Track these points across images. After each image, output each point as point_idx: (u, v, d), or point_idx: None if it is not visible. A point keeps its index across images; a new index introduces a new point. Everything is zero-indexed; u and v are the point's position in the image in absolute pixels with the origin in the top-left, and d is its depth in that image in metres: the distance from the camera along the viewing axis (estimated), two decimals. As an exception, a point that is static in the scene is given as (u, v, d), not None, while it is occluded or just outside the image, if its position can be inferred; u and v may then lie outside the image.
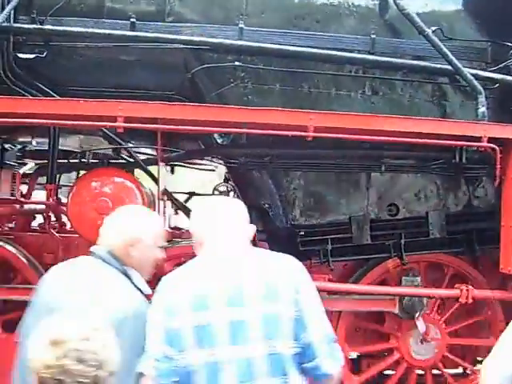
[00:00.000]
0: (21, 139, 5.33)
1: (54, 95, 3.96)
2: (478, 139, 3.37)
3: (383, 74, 3.87)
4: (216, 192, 4.38)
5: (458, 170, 3.75)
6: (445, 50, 3.62)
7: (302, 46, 3.79)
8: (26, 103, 3.49)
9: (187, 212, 4.60)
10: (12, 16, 3.85)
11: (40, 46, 3.92)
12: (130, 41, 3.85)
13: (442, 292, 3.96)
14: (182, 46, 3.82)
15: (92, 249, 2.26)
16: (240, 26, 3.80)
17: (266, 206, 3.85)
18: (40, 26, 3.84)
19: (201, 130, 3.68)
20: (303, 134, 3.29)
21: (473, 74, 3.63)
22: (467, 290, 3.67)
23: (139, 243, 2.20)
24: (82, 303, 2.01)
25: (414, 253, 4.00)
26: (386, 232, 3.92)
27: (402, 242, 3.85)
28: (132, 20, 3.84)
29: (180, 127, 3.43)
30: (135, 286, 2.19)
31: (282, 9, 3.88)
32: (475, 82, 3.61)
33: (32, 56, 3.81)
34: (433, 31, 3.68)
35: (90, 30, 3.84)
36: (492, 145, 3.39)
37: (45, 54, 3.84)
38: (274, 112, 3.44)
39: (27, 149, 5.43)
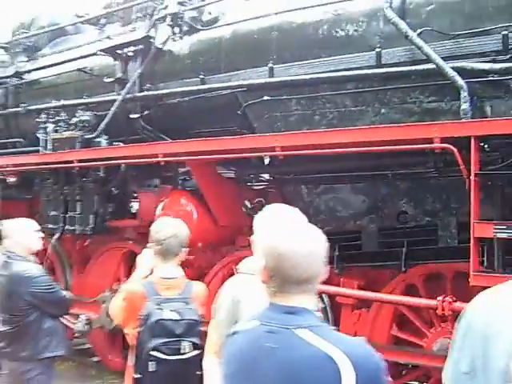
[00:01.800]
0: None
1: (167, 139, 5.35)
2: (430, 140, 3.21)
3: (392, 85, 3.93)
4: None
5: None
6: (427, 49, 3.56)
7: (317, 73, 4.22)
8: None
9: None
10: (138, 84, 5.45)
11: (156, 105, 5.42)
12: (198, 93, 4.97)
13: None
14: (229, 90, 4.73)
15: None
16: (269, 65, 4.49)
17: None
18: (146, 93, 5.35)
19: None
20: (273, 153, 3.81)
21: (457, 68, 3.44)
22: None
23: None
24: None
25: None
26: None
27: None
28: (201, 77, 4.97)
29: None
30: None
31: (300, 44, 4.38)
32: (456, 78, 3.41)
33: (137, 116, 5.30)
34: (419, 34, 3.66)
35: (174, 89, 5.14)
36: (446, 145, 3.17)
37: (147, 112, 5.30)
38: (246, 138, 4.03)
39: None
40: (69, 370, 6.03)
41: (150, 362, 2.88)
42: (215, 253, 5.27)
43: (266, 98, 4.49)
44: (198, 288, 3.27)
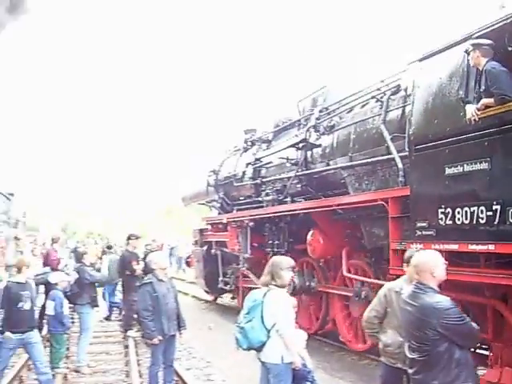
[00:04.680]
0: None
1: (321, 197, 9.45)
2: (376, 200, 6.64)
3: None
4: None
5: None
6: (391, 147, 6.91)
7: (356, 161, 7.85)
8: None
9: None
10: (304, 165, 9.71)
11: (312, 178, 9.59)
12: (326, 171, 8.96)
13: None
14: (332, 171, 8.62)
15: None
16: (349, 155, 8.25)
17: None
18: (304, 172, 9.55)
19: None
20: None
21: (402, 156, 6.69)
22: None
23: None
24: None
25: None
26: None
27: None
28: (326, 161, 8.97)
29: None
30: None
31: (358, 144, 8.05)
32: (399, 163, 6.67)
33: (302, 184, 9.55)
34: (391, 138, 7.01)
35: (316, 169, 9.24)
36: (381, 202, 6.52)
37: (305, 182, 9.52)
38: (319, 201, 7.88)
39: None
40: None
41: None
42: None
43: (345, 174, 8.26)
44: None
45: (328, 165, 8.97)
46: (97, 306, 9.00)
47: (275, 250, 10.35)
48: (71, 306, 8.80)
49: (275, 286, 5.00)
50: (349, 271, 8.26)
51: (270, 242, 10.57)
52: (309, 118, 9.95)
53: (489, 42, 5.11)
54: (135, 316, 9.64)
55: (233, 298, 14.26)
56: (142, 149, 58.60)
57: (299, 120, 10.70)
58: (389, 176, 7.36)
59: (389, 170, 7.30)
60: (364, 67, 9.60)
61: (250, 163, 12.30)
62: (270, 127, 12.36)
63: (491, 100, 5.00)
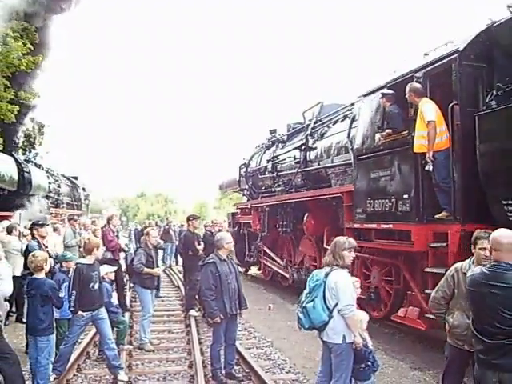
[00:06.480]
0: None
1: (317, 188, 12.28)
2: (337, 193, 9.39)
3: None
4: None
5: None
6: (351, 154, 9.63)
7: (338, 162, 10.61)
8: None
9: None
10: (304, 164, 12.55)
11: (311, 173, 12.40)
12: (318, 169, 11.75)
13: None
14: (321, 169, 11.40)
15: None
16: (331, 158, 11.00)
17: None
18: (304, 168, 12.38)
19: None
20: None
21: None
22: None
23: None
24: None
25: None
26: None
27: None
28: (319, 159, 11.76)
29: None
30: None
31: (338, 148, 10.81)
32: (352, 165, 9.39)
33: (301, 179, 12.40)
34: (351, 148, 9.73)
35: (313, 168, 12.05)
36: (340, 195, 9.27)
37: (306, 176, 12.36)
38: (311, 192, 10.69)
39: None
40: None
41: None
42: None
43: (330, 171, 11.02)
44: None
45: (319, 164, 11.73)
46: (147, 288, 8.58)
47: (283, 229, 13.26)
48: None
49: (337, 266, 5.02)
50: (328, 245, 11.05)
51: (280, 223, 13.48)
52: (308, 126, 12.71)
53: (391, 92, 7.82)
54: (196, 296, 10.54)
55: (259, 269, 17.22)
56: (200, 132, 63.84)
57: (303, 126, 13.47)
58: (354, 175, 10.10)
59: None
60: (351, 87, 12.22)
61: (269, 160, 15.17)
62: (285, 130, 15.19)
63: (390, 131, 7.73)
